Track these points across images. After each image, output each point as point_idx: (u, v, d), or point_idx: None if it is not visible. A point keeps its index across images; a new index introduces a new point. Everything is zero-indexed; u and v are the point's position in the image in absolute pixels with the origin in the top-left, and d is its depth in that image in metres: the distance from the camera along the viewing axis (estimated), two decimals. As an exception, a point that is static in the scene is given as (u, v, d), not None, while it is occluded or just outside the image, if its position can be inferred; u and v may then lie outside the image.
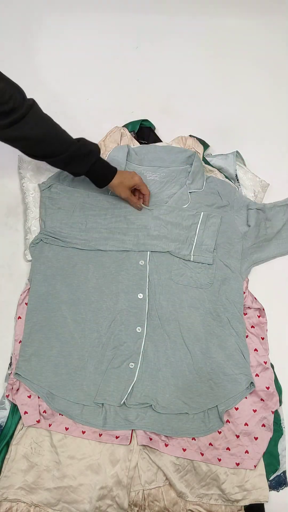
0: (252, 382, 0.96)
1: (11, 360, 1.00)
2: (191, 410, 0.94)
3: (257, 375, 0.99)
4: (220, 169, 1.20)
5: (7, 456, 0.92)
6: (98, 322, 1.00)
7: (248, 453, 0.92)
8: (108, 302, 1.01)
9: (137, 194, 1.10)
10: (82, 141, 0.99)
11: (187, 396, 0.95)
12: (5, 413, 0.96)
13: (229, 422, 0.95)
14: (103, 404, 0.94)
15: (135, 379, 0.95)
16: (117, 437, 0.93)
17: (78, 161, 0.99)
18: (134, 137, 1.24)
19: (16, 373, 0.96)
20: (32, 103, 0.91)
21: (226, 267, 1.05)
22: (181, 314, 1.01)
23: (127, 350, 0.97)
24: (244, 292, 1.06)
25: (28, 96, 0.92)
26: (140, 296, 1.01)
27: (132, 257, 1.04)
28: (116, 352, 0.97)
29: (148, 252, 1.04)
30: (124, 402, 0.94)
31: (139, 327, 0.99)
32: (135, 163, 1.16)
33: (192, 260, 1.04)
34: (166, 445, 0.92)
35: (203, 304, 1.02)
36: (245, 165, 1.22)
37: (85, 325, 1.00)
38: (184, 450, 0.92)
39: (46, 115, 0.95)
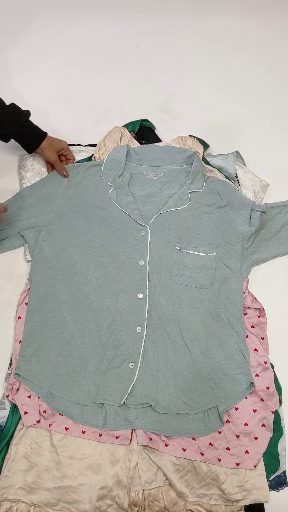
0: (252, 382, 0.96)
1: (11, 360, 1.00)
2: (191, 410, 0.94)
3: (257, 375, 0.99)
4: (220, 169, 1.20)
5: (7, 456, 0.92)
6: (98, 322, 1.00)
7: (248, 453, 0.92)
8: (108, 302, 1.01)
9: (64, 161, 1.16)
10: (12, 104, 1.04)
11: (187, 396, 0.95)
12: (5, 413, 0.96)
13: (229, 422, 0.94)
14: (103, 404, 0.94)
15: (135, 379, 0.95)
16: (117, 437, 0.93)
17: (9, 122, 1.03)
18: (134, 137, 1.24)
19: (16, 373, 0.96)
20: None
21: (226, 267, 1.05)
22: (181, 314, 1.01)
23: (127, 350, 0.97)
24: (244, 292, 1.06)
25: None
26: (140, 296, 1.01)
27: (132, 257, 1.04)
28: (116, 352, 0.97)
29: (148, 252, 1.04)
30: (124, 402, 0.94)
31: (139, 327, 0.99)
32: (135, 163, 1.16)
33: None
34: (166, 445, 0.92)
35: (203, 304, 1.02)
36: (245, 165, 1.22)
37: (85, 325, 1.00)
38: (184, 450, 0.92)
39: None
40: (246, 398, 0.96)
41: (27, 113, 1.07)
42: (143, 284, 1.02)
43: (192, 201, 1.11)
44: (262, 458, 0.93)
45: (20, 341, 1.00)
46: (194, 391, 0.96)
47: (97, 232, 1.07)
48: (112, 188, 1.11)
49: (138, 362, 0.97)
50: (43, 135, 1.09)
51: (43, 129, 1.10)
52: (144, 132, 1.26)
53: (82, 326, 1.00)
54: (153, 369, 0.97)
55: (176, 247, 1.06)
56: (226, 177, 1.18)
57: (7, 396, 0.96)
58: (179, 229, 1.08)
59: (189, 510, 0.89)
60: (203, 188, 1.12)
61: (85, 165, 1.14)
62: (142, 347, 0.97)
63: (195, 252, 1.06)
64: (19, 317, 1.03)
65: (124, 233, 1.07)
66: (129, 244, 1.06)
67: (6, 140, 1.08)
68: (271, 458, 0.93)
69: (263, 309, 1.05)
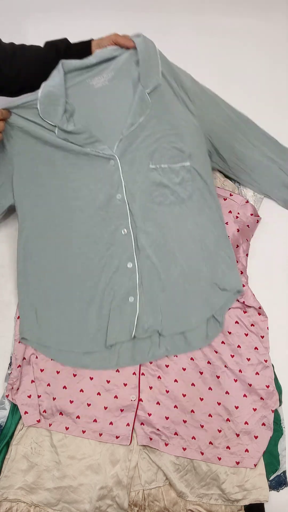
0: (239, 290, 1.01)
1: (11, 360, 1.00)
2: (193, 324, 0.98)
3: (257, 373, 0.98)
4: (220, 169, 1.20)
5: (7, 456, 0.92)
6: (90, 270, 0.98)
7: (248, 452, 0.92)
8: (95, 246, 0.98)
9: None
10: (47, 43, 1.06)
11: (187, 313, 0.98)
12: (5, 413, 0.96)
13: (229, 421, 0.94)
14: (114, 345, 0.96)
15: (137, 311, 0.95)
16: (117, 437, 0.93)
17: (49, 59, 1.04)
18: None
19: (23, 338, 0.97)
20: None
21: (200, 177, 1.02)
22: (170, 235, 0.99)
23: (124, 287, 0.97)
24: (244, 286, 1.05)
25: None
26: (124, 231, 0.98)
27: (108, 193, 0.98)
28: (114, 293, 0.97)
29: (123, 185, 0.98)
30: (134, 336, 0.95)
31: (129, 263, 0.97)
32: (76, 76, 1.02)
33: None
34: (166, 445, 0.92)
35: (189, 219, 1.00)
36: (245, 164, 1.22)
37: (79, 277, 0.98)
38: (184, 449, 0.92)
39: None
40: (246, 396, 0.96)
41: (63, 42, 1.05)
42: (125, 219, 0.98)
43: (153, 104, 0.99)
44: (262, 458, 0.93)
45: (20, 341, 1.00)
46: (192, 306, 0.98)
47: (62, 174, 0.99)
48: (57, 129, 0.96)
49: (137, 295, 0.96)
50: (88, 43, 1.05)
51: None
52: (143, 131, 1.26)
53: (75, 278, 0.98)
54: (152, 297, 0.97)
55: (151, 166, 0.99)
56: (226, 177, 1.18)
57: (7, 396, 0.96)
58: (149, 143, 0.99)
59: (189, 510, 0.89)
60: (160, 81, 0.99)
61: (18, 108, 0.98)
62: (137, 280, 0.97)
63: (170, 165, 1.00)
64: (19, 317, 1.03)
65: (92, 167, 0.98)
66: (101, 181, 0.98)
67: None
68: (271, 458, 0.93)
69: (261, 308, 1.05)
